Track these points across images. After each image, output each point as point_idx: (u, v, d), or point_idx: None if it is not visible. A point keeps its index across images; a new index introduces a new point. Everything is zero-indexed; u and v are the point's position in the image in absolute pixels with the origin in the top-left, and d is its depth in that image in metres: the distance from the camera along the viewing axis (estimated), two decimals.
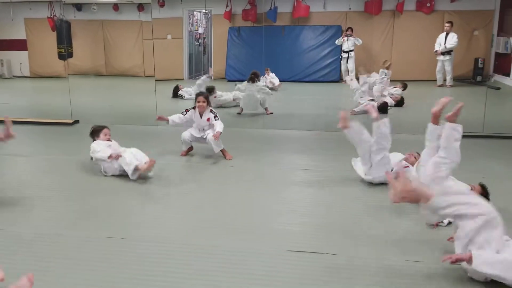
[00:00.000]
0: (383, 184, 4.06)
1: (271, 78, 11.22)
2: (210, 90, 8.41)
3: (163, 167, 4.82)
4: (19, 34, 14.78)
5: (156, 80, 8.19)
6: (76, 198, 4.04)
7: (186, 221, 3.54)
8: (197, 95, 5.31)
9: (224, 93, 8.67)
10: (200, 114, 5.21)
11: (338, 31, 12.78)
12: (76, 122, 7.23)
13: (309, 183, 4.41)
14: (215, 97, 8.32)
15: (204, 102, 5.17)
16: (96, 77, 14.06)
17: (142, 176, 4.45)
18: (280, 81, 11.20)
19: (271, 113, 7.82)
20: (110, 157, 4.41)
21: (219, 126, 5.09)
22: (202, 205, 3.89)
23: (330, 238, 3.22)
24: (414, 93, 11.14)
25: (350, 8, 12.42)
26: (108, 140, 4.74)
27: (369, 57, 12.78)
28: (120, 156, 4.43)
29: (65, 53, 10.15)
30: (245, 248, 3.05)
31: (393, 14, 12.35)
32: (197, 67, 15.52)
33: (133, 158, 4.40)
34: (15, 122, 7.14)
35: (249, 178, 4.59)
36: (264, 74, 11.10)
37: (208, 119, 5.19)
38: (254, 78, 7.97)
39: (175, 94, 9.88)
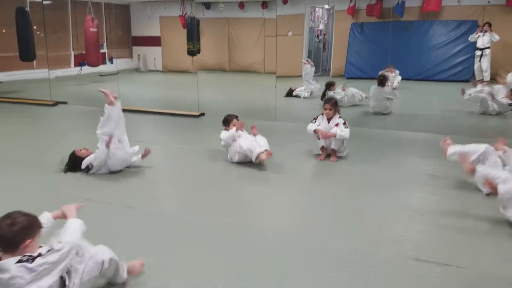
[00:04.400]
0: None
1: (395, 75, 10.66)
2: (329, 85, 8.42)
3: (282, 162, 4.89)
4: (155, 31, 16.15)
5: (276, 77, 8.35)
6: (201, 185, 4.29)
7: (302, 217, 3.56)
8: (325, 101, 5.15)
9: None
10: (327, 120, 5.06)
11: (473, 27, 11.71)
12: (202, 114, 7.69)
13: (434, 190, 4.12)
14: (334, 92, 8.28)
15: (330, 109, 4.99)
16: (220, 73, 14.79)
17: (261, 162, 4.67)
18: (406, 79, 10.65)
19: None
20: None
21: (340, 131, 4.88)
22: (318, 203, 3.87)
23: (458, 249, 2.97)
24: None
25: (489, 2, 11.34)
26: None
27: (508, 55, 11.52)
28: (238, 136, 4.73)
29: (194, 49, 10.85)
30: (361, 250, 2.95)
31: None
32: (315, 64, 15.47)
33: (256, 144, 4.68)
34: (148, 113, 7.89)
35: (367, 180, 4.44)
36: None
37: (336, 125, 4.97)
38: (383, 81, 7.57)
39: (290, 94, 9.95)
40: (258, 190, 4.25)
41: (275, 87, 7.89)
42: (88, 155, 4.46)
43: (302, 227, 3.34)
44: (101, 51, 13.20)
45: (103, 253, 2.35)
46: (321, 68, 15.47)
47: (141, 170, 4.65)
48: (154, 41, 16.08)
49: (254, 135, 4.93)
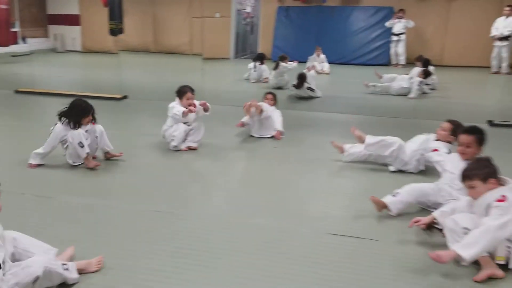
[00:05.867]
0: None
1: (322, 61, 10.84)
2: (282, 58, 8.58)
3: (210, 145, 4.88)
4: (73, 9, 15.24)
5: (203, 59, 8.26)
6: (126, 171, 4.17)
7: (229, 199, 3.60)
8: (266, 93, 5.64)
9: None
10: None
11: (390, 13, 12.33)
12: (125, 97, 7.43)
13: (353, 168, 4.35)
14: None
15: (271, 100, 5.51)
16: (145, 54, 14.31)
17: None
18: (329, 63, 10.95)
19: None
20: (183, 113, 4.43)
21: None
22: (244, 185, 3.94)
23: (373, 224, 3.17)
24: (467, 79, 10.67)
25: None
26: (189, 105, 4.61)
27: (421, 40, 12.31)
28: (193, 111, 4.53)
29: (116, 29, 10.35)
30: (284, 228, 3.06)
31: None
32: (243, 47, 15.48)
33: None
34: (66, 96, 7.47)
35: (291, 160, 4.58)
36: (314, 55, 10.84)
37: None
38: (300, 83, 7.49)
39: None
40: (183, 176, 4.20)
41: (202, 69, 7.81)
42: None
43: (230, 210, 3.38)
44: (13, 30, 12.26)
45: (36, 265, 2.12)
46: (249, 51, 15.53)
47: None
48: (72, 20, 15.19)
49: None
